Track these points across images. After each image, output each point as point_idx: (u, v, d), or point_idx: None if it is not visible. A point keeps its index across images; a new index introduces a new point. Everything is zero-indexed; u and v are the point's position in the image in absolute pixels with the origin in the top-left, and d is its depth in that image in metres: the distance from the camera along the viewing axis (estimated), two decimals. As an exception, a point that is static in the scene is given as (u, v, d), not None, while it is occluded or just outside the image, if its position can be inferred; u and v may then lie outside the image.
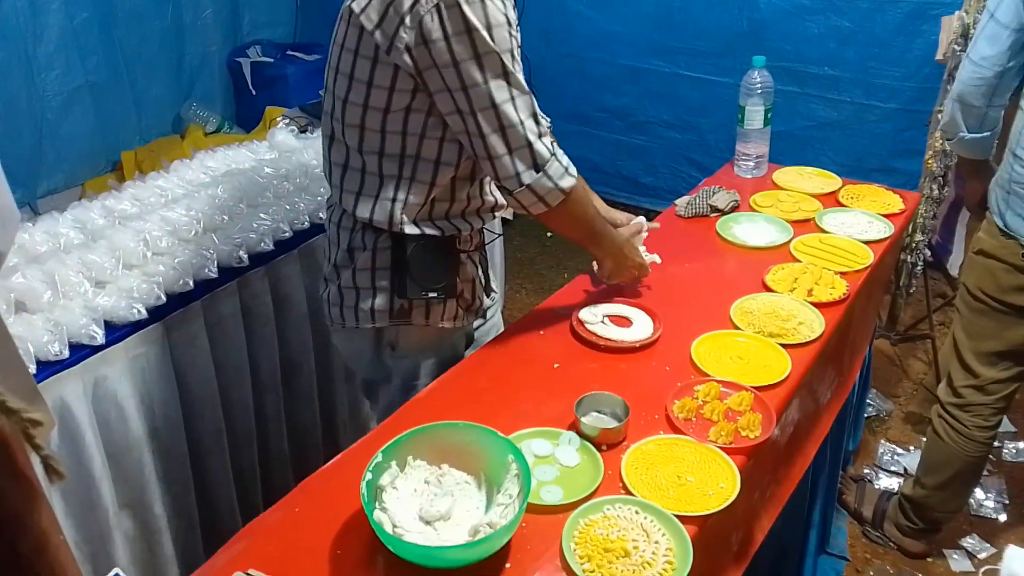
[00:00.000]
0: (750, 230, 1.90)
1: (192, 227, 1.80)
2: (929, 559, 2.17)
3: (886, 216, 1.94)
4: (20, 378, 0.57)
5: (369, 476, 1.07)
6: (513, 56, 1.29)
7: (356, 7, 1.29)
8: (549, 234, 3.81)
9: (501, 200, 1.51)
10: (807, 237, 1.85)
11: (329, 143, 1.43)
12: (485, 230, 1.58)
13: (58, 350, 1.51)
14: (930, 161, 2.59)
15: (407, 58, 1.27)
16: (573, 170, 1.39)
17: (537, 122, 1.34)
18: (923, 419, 2.63)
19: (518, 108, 1.30)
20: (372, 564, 1.05)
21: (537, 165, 1.33)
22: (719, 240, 1.88)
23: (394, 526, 1.04)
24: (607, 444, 1.25)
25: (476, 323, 1.68)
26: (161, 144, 3.76)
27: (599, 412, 1.32)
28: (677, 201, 2.05)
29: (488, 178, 1.49)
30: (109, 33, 3.48)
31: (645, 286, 1.69)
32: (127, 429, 1.61)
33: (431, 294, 1.44)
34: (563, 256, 3.64)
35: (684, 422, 1.30)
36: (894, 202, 2.02)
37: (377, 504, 1.08)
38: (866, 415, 2.55)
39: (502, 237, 2.86)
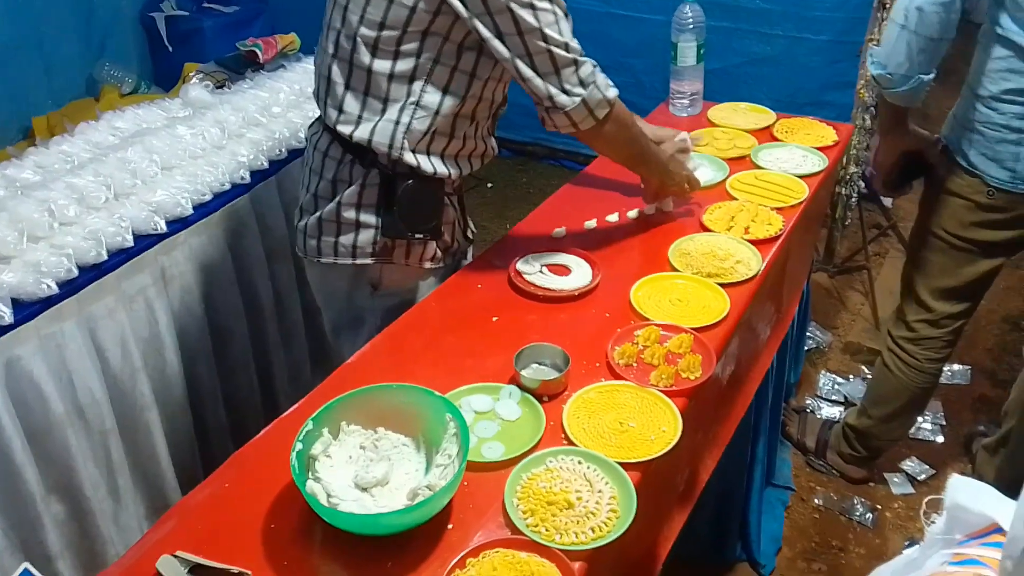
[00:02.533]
0: (686, 169, 1.87)
1: (102, 193, 1.68)
2: (871, 484, 2.24)
3: (820, 149, 1.94)
4: None
5: (299, 447, 1.02)
6: None
7: None
8: (490, 184, 3.75)
9: (493, 148, 1.56)
10: (743, 174, 1.84)
11: (331, 60, 1.40)
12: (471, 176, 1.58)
13: (-38, 332, 1.41)
14: (862, 91, 2.60)
15: None
16: (612, 84, 1.42)
17: (576, 42, 1.37)
18: (862, 348, 2.69)
19: (562, 30, 1.33)
20: (309, 537, 1.01)
21: (584, 81, 1.37)
22: (656, 181, 1.85)
23: (328, 496, 1.00)
24: (548, 395, 1.23)
25: (459, 264, 1.68)
26: (75, 107, 3.56)
27: (539, 363, 1.29)
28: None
29: (486, 123, 1.51)
30: (16, -8, 3.24)
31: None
32: (47, 410, 1.52)
33: (417, 235, 1.45)
34: (503, 207, 3.58)
35: (625, 368, 1.28)
36: (828, 134, 2.01)
37: (310, 474, 1.04)
38: (806, 348, 2.59)
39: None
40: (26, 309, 1.49)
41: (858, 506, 2.16)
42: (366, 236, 1.46)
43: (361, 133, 1.39)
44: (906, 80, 1.72)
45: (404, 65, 1.36)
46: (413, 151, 1.41)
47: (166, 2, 3.84)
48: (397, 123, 1.39)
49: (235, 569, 0.95)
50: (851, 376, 2.58)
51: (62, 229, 1.61)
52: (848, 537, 2.11)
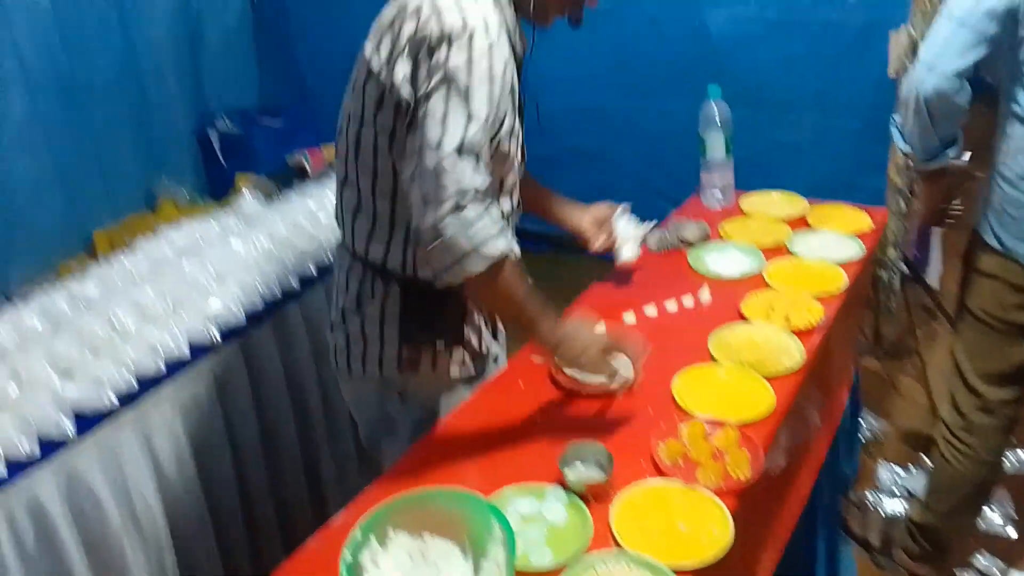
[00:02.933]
0: (722, 260, 1.89)
1: (160, 306, 1.77)
2: (941, 583, 2.13)
3: (856, 235, 1.94)
4: None
5: (349, 559, 1.03)
6: (490, 102, 1.22)
7: (368, 49, 1.31)
8: (530, 280, 3.80)
9: (516, 253, 1.47)
10: (779, 262, 1.85)
11: (341, 187, 1.44)
12: None
13: (28, 447, 1.47)
14: (893, 176, 2.61)
15: (405, 91, 1.27)
16: (506, 241, 1.25)
17: (483, 177, 1.23)
18: (920, 436, 2.61)
19: (463, 155, 1.19)
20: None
21: (463, 220, 1.19)
22: (692, 273, 1.87)
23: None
24: (594, 496, 1.22)
25: (489, 368, 1.64)
26: (134, 221, 3.74)
27: (583, 462, 1.29)
28: (647, 237, 2.04)
29: None
30: (74, 115, 3.47)
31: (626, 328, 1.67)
32: (105, 523, 1.56)
33: (438, 342, 1.44)
34: (547, 301, 3.62)
35: (671, 466, 1.27)
36: (862, 220, 2.02)
37: (360, 585, 1.05)
38: (861, 437, 2.52)
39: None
40: (88, 422, 1.55)
41: (928, 605, 2.05)
42: (391, 350, 1.45)
43: (375, 254, 1.41)
44: (932, 157, 1.74)
45: (405, 187, 1.32)
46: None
47: (220, 120, 4.08)
48: (407, 242, 1.39)
49: None
50: (911, 466, 2.49)
51: (123, 342, 1.68)
52: (919, 637, 1.99)
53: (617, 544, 1.13)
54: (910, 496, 2.36)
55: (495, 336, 1.64)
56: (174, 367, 1.69)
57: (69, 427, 1.50)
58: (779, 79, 3.15)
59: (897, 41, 2.46)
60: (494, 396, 1.51)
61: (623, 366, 1.43)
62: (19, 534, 1.45)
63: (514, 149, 1.41)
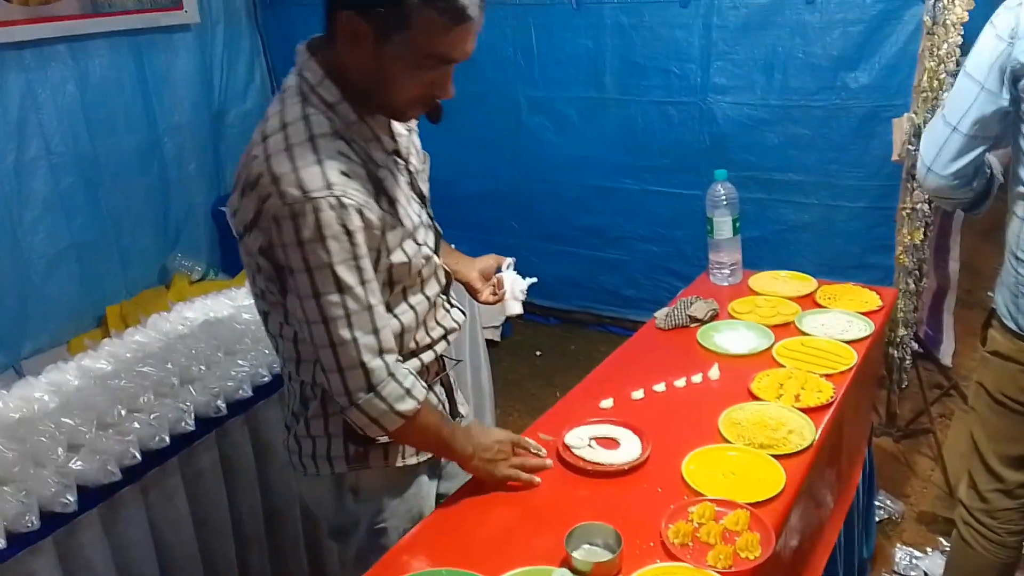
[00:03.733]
0: (731, 338, 1.89)
1: (169, 380, 1.78)
2: (963, 672, 2.03)
3: (865, 314, 1.94)
4: None
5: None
6: (356, 267, 1.20)
7: (229, 210, 1.28)
8: (538, 352, 3.80)
9: (452, 325, 1.49)
10: (789, 341, 1.84)
11: (264, 317, 1.39)
12: (444, 358, 1.53)
13: (31, 522, 1.45)
14: (902, 257, 2.62)
15: (265, 262, 1.24)
16: (418, 392, 1.29)
17: (379, 338, 1.24)
18: (936, 518, 2.54)
19: (353, 324, 1.21)
20: None
21: (371, 385, 1.24)
22: (701, 350, 1.87)
23: None
24: (601, 578, 1.19)
25: None
26: (146, 296, 3.79)
27: (591, 544, 1.26)
28: (656, 314, 2.05)
29: (430, 317, 1.43)
30: (95, 194, 3.57)
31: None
32: (103, 600, 1.53)
33: (380, 438, 1.37)
34: (553, 374, 3.61)
35: (680, 548, 1.24)
36: (871, 299, 2.03)
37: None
38: (877, 519, 2.46)
39: (487, 360, 2.85)
40: (91, 496, 1.54)
41: None
42: (337, 445, 1.39)
43: (305, 375, 1.36)
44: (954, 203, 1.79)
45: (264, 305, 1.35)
46: None
47: (235, 197, 4.17)
48: (311, 360, 1.32)
49: None
50: (929, 549, 2.42)
51: (129, 416, 1.68)
52: None
53: (625, 629, 1.10)
54: (928, 581, 2.29)
55: (454, 412, 1.58)
56: (179, 441, 1.69)
57: (71, 501, 1.49)
58: (785, 161, 3.22)
59: (900, 128, 2.52)
60: (501, 473, 1.49)
61: None
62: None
63: (424, 251, 1.37)
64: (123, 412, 1.67)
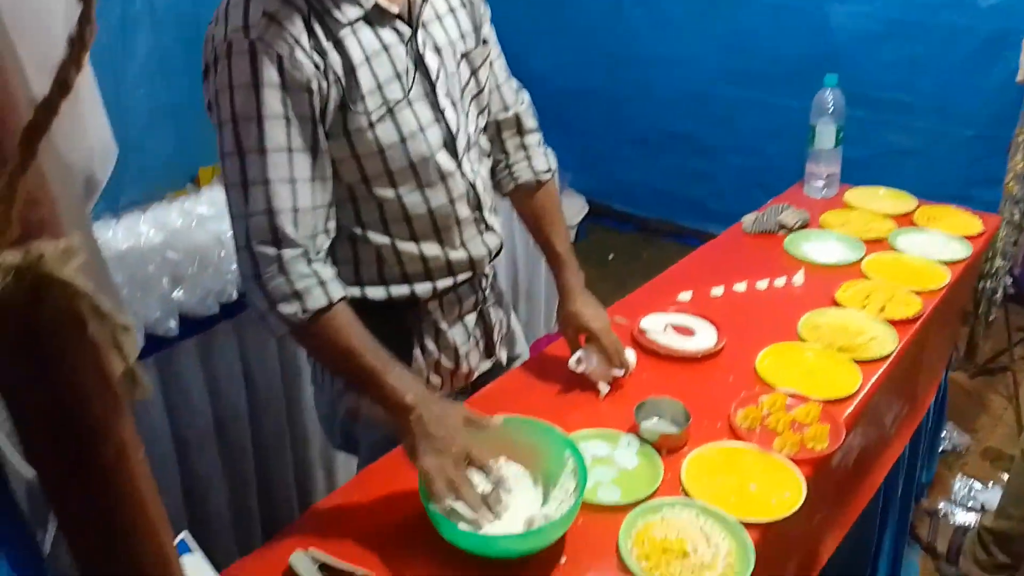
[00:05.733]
0: (820, 248, 1.86)
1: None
2: (1008, 598, 2.05)
3: (965, 238, 1.88)
4: (109, 288, 0.59)
5: (427, 465, 1.07)
6: (263, 129, 1.04)
7: None
8: (611, 256, 3.80)
9: (478, 253, 1.29)
10: (880, 255, 1.80)
11: None
12: (478, 289, 1.36)
13: (136, 340, 1.56)
14: (1011, 184, 2.50)
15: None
16: (313, 300, 1.07)
17: (275, 221, 1.05)
18: (1002, 455, 2.51)
19: (249, 198, 1.05)
20: (428, 553, 1.05)
21: (256, 273, 1.06)
22: (787, 257, 1.84)
23: (449, 514, 1.04)
24: (667, 449, 1.23)
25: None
26: (237, 162, 3.91)
27: (660, 418, 1.30)
28: (744, 218, 2.02)
29: (433, 238, 1.24)
30: (191, 55, 3.62)
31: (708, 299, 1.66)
32: (196, 422, 1.66)
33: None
34: (625, 279, 3.61)
35: (747, 431, 1.27)
36: (973, 224, 1.95)
37: (434, 493, 1.08)
38: (942, 449, 2.44)
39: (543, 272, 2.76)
40: (190, 326, 1.64)
41: (992, 621, 1.98)
42: None
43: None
44: None
45: None
46: (351, 282, 1.21)
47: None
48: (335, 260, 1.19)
49: (360, 571, 0.99)
50: (990, 483, 2.40)
51: (228, 259, 1.77)
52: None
53: (687, 495, 1.14)
54: (983, 510, 2.28)
55: (488, 353, 1.42)
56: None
57: (174, 327, 1.60)
58: (898, 80, 3.05)
59: (1031, 46, 2.35)
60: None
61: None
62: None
63: (417, 146, 1.17)
64: (223, 254, 1.76)
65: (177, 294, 1.64)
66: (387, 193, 1.18)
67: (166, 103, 3.58)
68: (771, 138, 3.41)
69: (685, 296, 1.69)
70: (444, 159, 1.21)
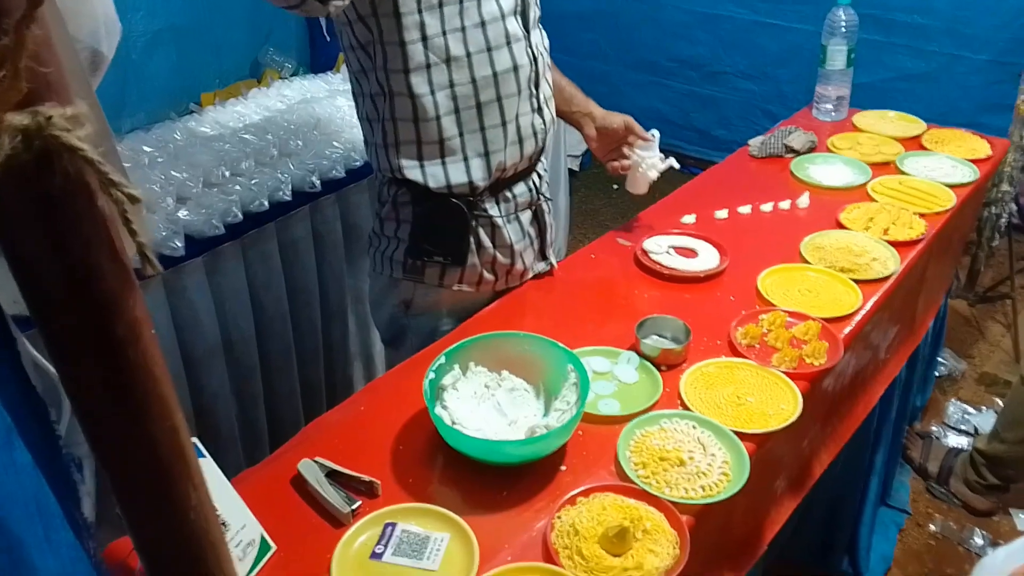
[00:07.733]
0: (826, 171, 1.85)
1: (268, 151, 1.84)
2: (995, 517, 2.11)
3: (972, 161, 1.86)
4: (117, 162, 0.58)
5: (432, 376, 1.10)
6: None
7: None
8: (615, 186, 3.78)
9: (528, 131, 1.36)
10: (886, 179, 1.79)
11: (356, 102, 1.39)
12: (540, 193, 1.45)
13: (145, 216, 1.58)
14: (1021, 106, 2.46)
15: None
16: None
17: None
18: (997, 380, 2.54)
19: None
20: (433, 459, 1.09)
21: None
22: (793, 180, 1.84)
23: (453, 422, 1.07)
24: (667, 365, 1.25)
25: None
26: (239, 87, 3.85)
27: (660, 335, 1.32)
28: (751, 141, 2.00)
29: (494, 104, 1.30)
30: (189, -25, 3.55)
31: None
32: (204, 340, 1.68)
33: (436, 258, 1.35)
34: (628, 209, 3.60)
35: (747, 348, 1.29)
36: (981, 147, 1.93)
37: (439, 402, 1.11)
38: (937, 374, 2.47)
39: (567, 186, 2.83)
40: (196, 246, 1.65)
41: (978, 538, 2.05)
42: (400, 252, 1.37)
43: (370, 158, 1.38)
44: None
45: (355, 86, 1.33)
46: (413, 165, 1.30)
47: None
48: (384, 145, 1.31)
49: (366, 478, 1.03)
50: (983, 408, 2.44)
51: (232, 179, 1.77)
52: (965, 568, 2.00)
53: (685, 408, 1.16)
54: (976, 434, 2.33)
55: (543, 256, 1.50)
56: (277, 208, 1.78)
57: (180, 247, 1.61)
58: (913, 2, 2.97)
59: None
60: (579, 269, 1.54)
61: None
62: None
63: None
64: (227, 174, 1.76)
65: (182, 213, 1.64)
66: (458, 50, 1.25)
67: (166, 26, 3.52)
68: (779, 62, 3.36)
69: (689, 219, 1.69)
70: (513, 26, 1.29)
